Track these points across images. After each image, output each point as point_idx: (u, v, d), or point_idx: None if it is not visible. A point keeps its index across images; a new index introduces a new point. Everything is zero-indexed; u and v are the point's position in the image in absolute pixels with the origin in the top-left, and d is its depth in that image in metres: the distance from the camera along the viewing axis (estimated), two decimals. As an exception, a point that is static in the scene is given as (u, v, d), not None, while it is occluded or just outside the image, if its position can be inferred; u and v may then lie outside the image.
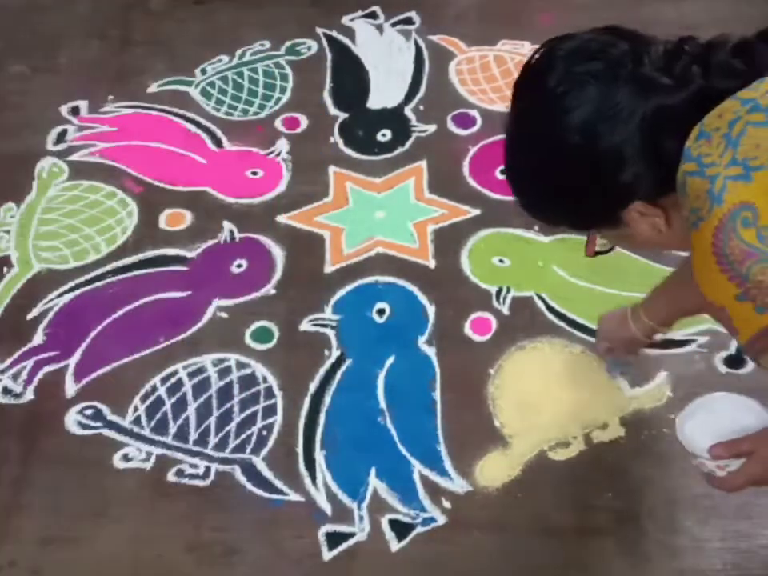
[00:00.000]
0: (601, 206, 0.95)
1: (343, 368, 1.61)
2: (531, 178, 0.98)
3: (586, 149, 0.90)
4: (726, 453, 1.01)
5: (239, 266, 1.77)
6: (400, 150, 1.96)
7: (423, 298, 1.70)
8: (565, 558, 1.39)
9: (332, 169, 1.93)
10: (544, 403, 1.53)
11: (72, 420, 1.57)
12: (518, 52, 2.12)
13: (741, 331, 0.84)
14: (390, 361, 1.61)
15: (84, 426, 1.56)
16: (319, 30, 2.23)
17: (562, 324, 1.63)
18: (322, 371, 1.61)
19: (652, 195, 0.92)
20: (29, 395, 1.60)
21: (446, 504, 1.44)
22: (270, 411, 1.56)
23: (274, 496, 1.47)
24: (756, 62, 0.88)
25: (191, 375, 1.61)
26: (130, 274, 1.77)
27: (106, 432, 1.55)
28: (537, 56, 0.97)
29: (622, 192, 0.92)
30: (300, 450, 1.51)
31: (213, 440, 1.53)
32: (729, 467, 1.02)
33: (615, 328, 1.46)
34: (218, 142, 2.00)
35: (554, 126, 0.91)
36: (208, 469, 1.50)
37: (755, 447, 1.01)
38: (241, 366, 1.62)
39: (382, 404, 1.56)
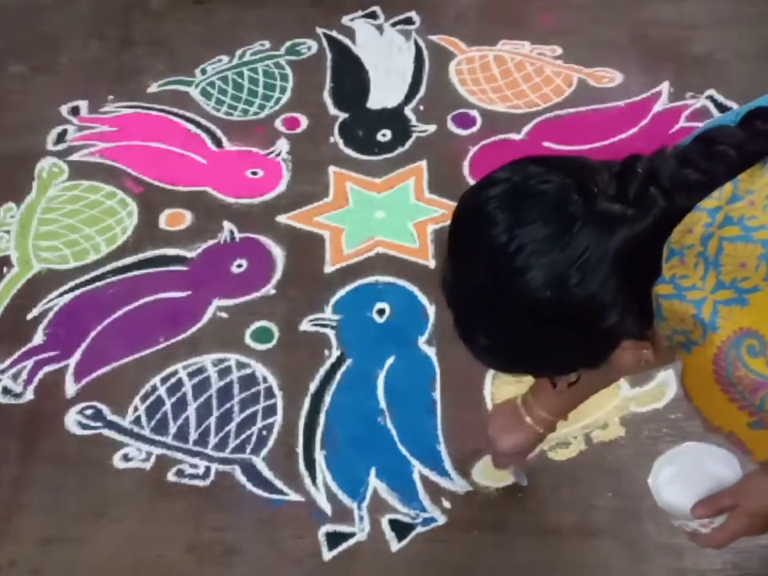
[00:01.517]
0: (584, 355, 0.88)
1: (343, 368, 1.61)
2: (497, 342, 0.88)
3: (558, 305, 0.81)
4: (709, 511, 0.99)
5: (239, 265, 1.77)
6: (400, 149, 1.96)
7: (423, 298, 1.70)
8: (565, 558, 1.39)
9: (332, 169, 1.93)
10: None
11: (72, 420, 1.57)
12: (518, 52, 2.12)
13: (756, 452, 0.81)
14: (390, 361, 1.61)
15: (84, 426, 1.56)
16: (319, 30, 2.23)
17: (561, 324, 1.63)
18: (322, 371, 1.61)
19: (638, 330, 0.85)
20: (29, 395, 1.60)
21: (446, 504, 1.44)
22: (270, 411, 1.56)
23: (274, 496, 1.47)
24: (706, 169, 0.82)
25: (191, 375, 1.61)
26: (130, 274, 1.77)
27: (106, 432, 1.55)
28: (467, 209, 0.86)
29: (607, 337, 0.85)
30: (300, 450, 1.51)
31: (213, 440, 1.53)
32: (713, 523, 1.00)
33: (513, 436, 1.29)
34: (218, 142, 2.00)
35: (516, 287, 0.81)
36: (208, 469, 1.50)
37: (737, 500, 0.98)
38: (241, 365, 1.62)
39: (382, 404, 1.56)
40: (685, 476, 1.04)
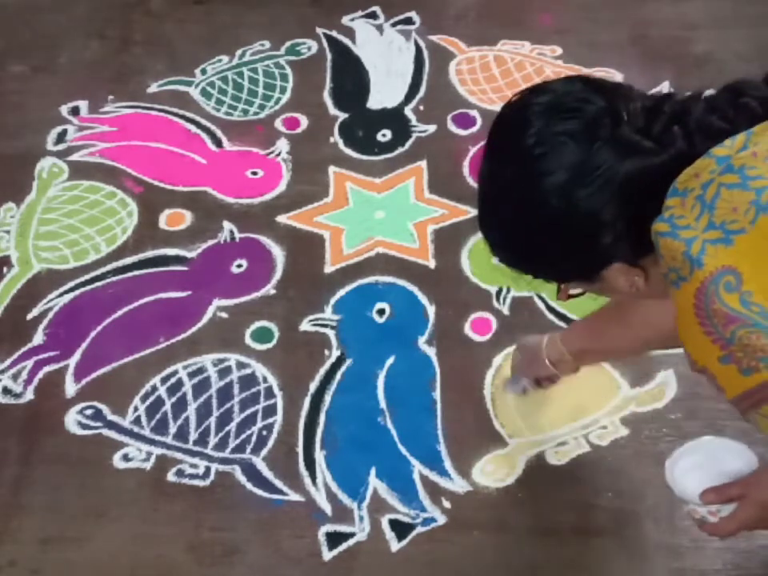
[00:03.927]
0: (579, 266, 0.94)
1: (343, 368, 1.61)
2: (507, 235, 0.96)
3: (563, 212, 0.88)
4: (718, 498, 1.02)
5: (239, 266, 1.77)
6: (400, 150, 1.96)
7: (423, 298, 1.70)
8: (565, 558, 1.39)
9: (332, 169, 1.93)
10: (544, 403, 1.53)
11: (72, 420, 1.57)
12: (518, 52, 2.12)
13: (726, 390, 0.85)
14: (390, 361, 1.61)
15: (84, 426, 1.56)
16: (319, 30, 2.23)
17: (561, 324, 1.63)
18: (322, 371, 1.61)
19: (632, 257, 0.91)
20: (29, 395, 1.60)
21: (446, 504, 1.44)
22: (270, 411, 1.56)
23: (274, 496, 1.47)
24: (730, 118, 0.86)
25: (191, 375, 1.61)
26: (130, 274, 1.77)
27: (106, 432, 1.55)
28: (512, 108, 0.93)
29: (601, 254, 0.91)
30: (300, 449, 1.51)
31: (213, 440, 1.53)
32: (721, 512, 1.03)
33: (530, 343, 1.42)
34: (218, 142, 2.00)
35: (531, 188, 0.89)
36: (208, 469, 1.50)
37: (746, 491, 1.01)
38: (241, 365, 1.62)
39: (382, 404, 1.56)
40: (700, 464, 1.07)
